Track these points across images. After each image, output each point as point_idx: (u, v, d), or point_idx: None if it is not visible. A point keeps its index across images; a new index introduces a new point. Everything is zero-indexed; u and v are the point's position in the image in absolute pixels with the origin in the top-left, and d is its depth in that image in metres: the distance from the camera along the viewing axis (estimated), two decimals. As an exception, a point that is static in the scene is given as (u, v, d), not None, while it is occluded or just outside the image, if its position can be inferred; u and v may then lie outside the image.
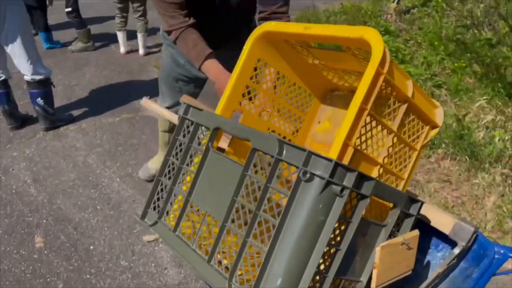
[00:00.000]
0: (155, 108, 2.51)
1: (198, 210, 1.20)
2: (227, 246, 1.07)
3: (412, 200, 1.13)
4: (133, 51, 4.55)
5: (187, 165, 1.28)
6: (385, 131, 1.09)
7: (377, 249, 1.06)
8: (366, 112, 0.96)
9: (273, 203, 0.99)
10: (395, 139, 1.11)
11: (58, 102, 3.41)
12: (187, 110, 1.33)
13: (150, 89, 3.00)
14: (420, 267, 1.36)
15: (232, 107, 1.34)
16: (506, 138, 3.00)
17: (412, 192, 2.48)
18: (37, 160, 2.83)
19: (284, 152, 0.99)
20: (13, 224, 2.23)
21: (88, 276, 1.90)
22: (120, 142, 3.07)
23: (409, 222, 1.16)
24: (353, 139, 0.96)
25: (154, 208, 1.34)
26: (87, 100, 3.63)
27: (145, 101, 2.58)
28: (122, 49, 4.46)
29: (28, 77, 3.12)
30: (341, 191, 0.91)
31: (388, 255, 1.09)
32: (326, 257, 0.98)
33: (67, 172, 2.72)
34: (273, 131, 1.49)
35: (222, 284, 1.01)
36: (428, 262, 1.40)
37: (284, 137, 1.52)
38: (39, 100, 3.25)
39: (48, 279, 1.89)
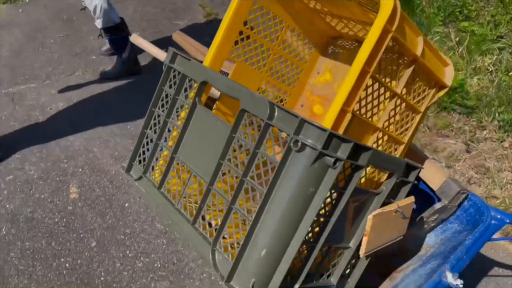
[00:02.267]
0: (143, 44, 2.35)
1: (184, 168, 1.14)
2: (217, 209, 1.02)
3: (410, 167, 1.07)
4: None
5: (173, 119, 1.20)
6: (387, 93, 0.99)
7: (369, 218, 1.02)
8: (368, 75, 0.86)
9: (261, 170, 0.92)
10: (398, 101, 1.02)
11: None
12: (174, 58, 1.22)
13: (194, 30, 2.57)
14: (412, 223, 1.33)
15: (223, 56, 1.22)
16: None
17: (481, 181, 2.15)
18: (75, 101, 2.55)
19: (276, 116, 0.90)
20: (48, 169, 2.05)
21: (122, 236, 1.75)
22: (159, 89, 2.78)
23: (405, 188, 1.10)
24: (352, 105, 0.87)
25: (140, 162, 1.28)
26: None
27: (134, 37, 2.42)
28: None
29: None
30: (334, 162, 0.83)
31: (380, 223, 1.04)
32: (314, 226, 0.93)
33: (104, 117, 2.44)
34: (268, 83, 1.38)
35: (206, 248, 0.98)
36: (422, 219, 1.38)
37: (279, 96, 1.42)
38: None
39: (82, 235, 1.76)
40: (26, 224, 1.76)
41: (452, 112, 2.45)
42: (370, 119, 0.97)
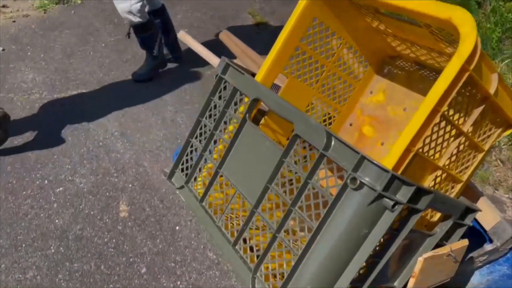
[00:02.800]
0: (191, 43, 2.35)
1: (228, 184, 1.11)
2: (260, 233, 0.99)
3: (469, 210, 1.00)
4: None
5: (220, 131, 1.17)
6: (453, 131, 0.93)
7: (419, 260, 0.96)
8: (439, 114, 0.80)
9: (311, 201, 0.88)
10: (463, 139, 0.95)
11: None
12: (226, 69, 1.19)
13: (244, 39, 2.45)
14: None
15: (277, 71, 1.18)
16: None
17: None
18: (126, 110, 2.48)
19: (332, 147, 0.86)
20: (98, 183, 1.98)
21: (173, 264, 1.64)
22: (209, 102, 2.64)
23: (460, 231, 1.04)
24: (417, 144, 0.81)
25: (182, 170, 1.27)
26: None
27: (182, 34, 2.41)
28: None
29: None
30: (393, 205, 0.78)
31: (430, 265, 0.99)
32: (362, 267, 0.89)
33: (155, 129, 2.35)
34: (318, 99, 1.33)
35: (246, 274, 0.96)
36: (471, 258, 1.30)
37: (328, 112, 1.37)
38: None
39: (131, 259, 1.64)
40: (75, 243, 1.70)
41: (529, 145, 2.20)
42: (431, 157, 0.91)
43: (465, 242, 1.05)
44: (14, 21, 3.33)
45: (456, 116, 0.91)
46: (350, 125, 1.44)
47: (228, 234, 1.05)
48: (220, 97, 1.20)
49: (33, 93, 2.56)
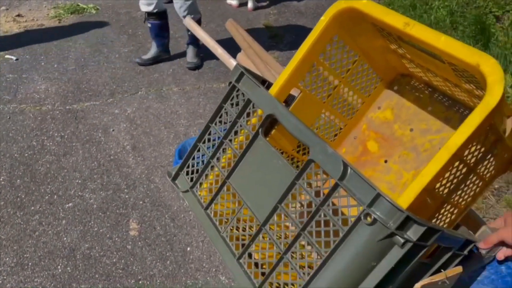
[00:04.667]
0: (197, 31, 2.30)
1: (235, 195, 1.12)
2: (266, 251, 1.01)
3: (468, 242, 1.03)
4: (241, 4, 3.79)
5: (230, 140, 1.17)
6: (465, 169, 0.95)
7: (416, 286, 1.00)
8: (458, 158, 0.82)
9: (321, 228, 0.90)
10: (473, 176, 0.98)
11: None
12: (240, 78, 1.17)
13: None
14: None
15: (292, 85, 1.18)
16: None
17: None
18: (138, 123, 2.44)
19: (347, 177, 0.87)
20: (108, 199, 1.92)
21: None
22: (223, 117, 2.61)
23: (456, 260, 1.07)
24: (433, 186, 0.83)
25: (188, 173, 1.27)
26: (191, 56, 3.14)
27: (188, 21, 2.36)
28: (235, 2, 3.76)
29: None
30: (404, 243, 0.81)
31: (425, 292, 1.02)
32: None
33: (167, 143, 2.30)
34: (328, 113, 1.34)
35: (249, 290, 0.98)
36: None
37: (336, 124, 1.37)
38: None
39: (141, 282, 1.60)
40: (83, 262, 1.64)
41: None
42: (441, 193, 0.94)
43: (459, 269, 1.09)
44: (28, 31, 3.24)
45: (470, 157, 0.93)
46: (355, 138, 1.45)
47: (233, 247, 1.06)
48: (232, 105, 1.19)
49: (46, 104, 2.49)
